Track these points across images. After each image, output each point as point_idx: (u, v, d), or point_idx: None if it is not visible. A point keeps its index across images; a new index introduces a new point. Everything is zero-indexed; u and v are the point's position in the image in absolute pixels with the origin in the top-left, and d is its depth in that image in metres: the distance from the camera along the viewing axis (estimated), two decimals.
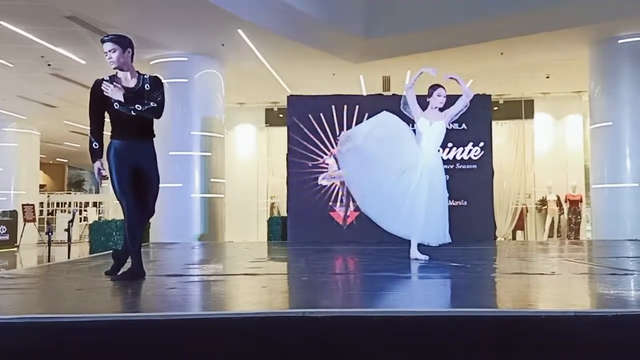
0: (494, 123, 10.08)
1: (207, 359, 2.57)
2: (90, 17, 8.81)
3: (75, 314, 2.81)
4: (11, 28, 9.17)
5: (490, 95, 9.91)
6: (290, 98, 10.13)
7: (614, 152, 10.10)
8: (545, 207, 14.59)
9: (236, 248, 8.55)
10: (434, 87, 5.82)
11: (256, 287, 4.13)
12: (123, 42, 4.22)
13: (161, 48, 10.42)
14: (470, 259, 5.88)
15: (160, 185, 4.38)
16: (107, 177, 4.27)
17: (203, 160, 10.90)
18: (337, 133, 9.45)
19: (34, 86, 12.99)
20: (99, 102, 4.19)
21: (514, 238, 14.74)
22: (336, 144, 8.96)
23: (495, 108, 12.63)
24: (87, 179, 30.47)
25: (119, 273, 4.40)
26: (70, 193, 26.12)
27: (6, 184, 17.21)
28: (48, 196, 21.84)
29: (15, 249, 14.92)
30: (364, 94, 12.92)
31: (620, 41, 10.00)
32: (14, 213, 15.75)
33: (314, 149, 9.63)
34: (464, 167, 9.44)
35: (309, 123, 9.65)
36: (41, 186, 21.80)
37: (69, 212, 18.84)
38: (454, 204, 8.45)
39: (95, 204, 22.48)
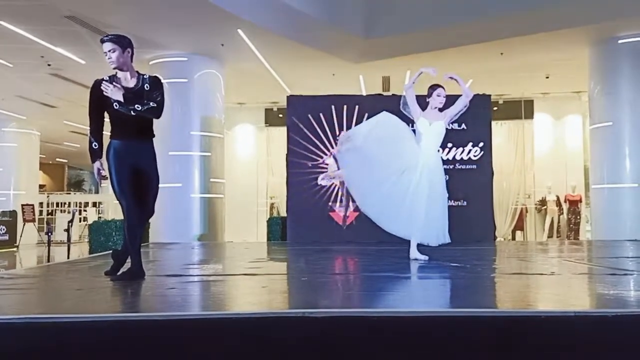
0: (493, 123, 10.08)
1: (207, 359, 2.57)
2: (90, 17, 8.81)
3: (75, 314, 2.81)
4: (11, 28, 9.17)
5: (490, 96, 9.92)
6: (290, 98, 10.13)
7: (613, 152, 10.10)
8: (545, 207, 14.60)
9: (236, 248, 8.55)
10: (433, 87, 5.82)
11: (256, 287, 4.13)
12: (123, 42, 4.22)
13: (161, 48, 10.42)
14: (469, 259, 5.88)
15: (160, 185, 4.38)
16: (107, 177, 4.27)
17: (203, 160, 10.90)
18: (337, 133, 9.45)
19: (34, 86, 12.99)
20: (98, 102, 4.19)
21: (513, 238, 14.74)
22: (336, 144, 8.96)
23: (495, 108, 12.63)
24: (86, 179, 30.47)
25: (118, 273, 4.40)
26: (69, 193, 26.12)
27: (6, 184, 17.20)
28: (48, 196, 21.83)
29: (14, 249, 14.91)
30: (364, 94, 12.91)
31: (620, 41, 10.00)
32: (13, 213, 15.75)
33: (313, 149, 9.63)
34: (463, 167, 9.44)
35: (309, 123, 9.65)
36: (41, 186, 21.79)
37: (69, 212, 18.81)
38: (453, 204, 8.46)
39: (94, 204, 22.48)
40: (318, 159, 9.64)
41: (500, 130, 14.35)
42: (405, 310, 2.86)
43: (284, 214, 11.49)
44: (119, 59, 4.19)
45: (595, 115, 10.52)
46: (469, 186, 9.24)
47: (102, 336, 2.59)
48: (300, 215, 9.60)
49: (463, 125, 9.22)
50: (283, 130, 10.72)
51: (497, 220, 12.02)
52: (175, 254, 7.51)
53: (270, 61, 11.18)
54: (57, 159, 26.38)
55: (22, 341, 2.57)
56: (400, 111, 5.90)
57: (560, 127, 14.86)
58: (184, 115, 10.74)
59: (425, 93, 5.85)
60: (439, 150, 6.21)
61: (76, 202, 22.18)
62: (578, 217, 14.25)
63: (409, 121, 6.02)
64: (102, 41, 4.23)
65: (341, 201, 9.54)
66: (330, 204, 9.60)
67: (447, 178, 6.60)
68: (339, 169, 8.05)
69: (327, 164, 9.62)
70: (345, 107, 9.61)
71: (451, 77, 5.85)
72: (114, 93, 4.12)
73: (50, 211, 21.18)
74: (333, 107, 9.65)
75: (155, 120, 4.34)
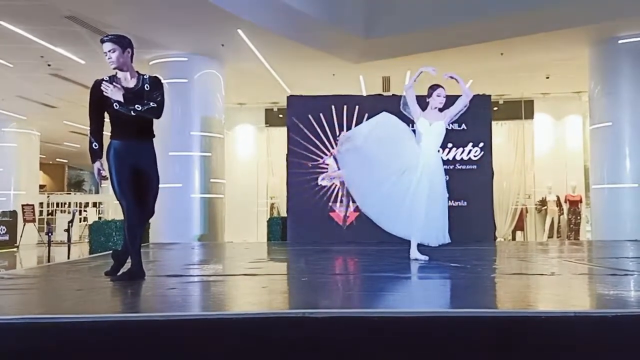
0: (493, 123, 10.08)
1: (206, 359, 2.57)
2: (90, 17, 8.81)
3: (75, 314, 2.81)
4: (11, 28, 9.17)
5: (490, 96, 9.92)
6: (290, 98, 10.13)
7: (613, 152, 10.10)
8: (545, 207, 14.60)
9: (236, 248, 8.55)
10: (433, 88, 5.82)
11: (256, 287, 4.13)
12: (122, 42, 4.22)
13: (161, 48, 10.42)
14: (470, 260, 5.88)
15: (160, 185, 4.38)
16: (107, 178, 4.27)
17: (203, 160, 10.90)
18: (337, 133, 9.45)
19: (34, 86, 12.99)
20: (98, 103, 4.19)
21: (513, 238, 14.74)
22: (336, 144, 8.96)
23: (495, 108, 12.63)
24: (86, 180, 30.47)
25: (118, 273, 4.39)
26: (70, 193, 26.12)
27: (6, 184, 17.20)
28: (48, 196, 21.84)
29: (15, 249, 14.91)
30: (364, 94, 12.92)
31: (620, 41, 10.00)
32: (13, 213, 15.75)
33: (313, 149, 9.64)
34: (463, 167, 9.44)
35: (309, 123, 9.65)
36: (41, 186, 21.78)
37: (69, 212, 18.86)
38: (453, 204, 8.46)
39: (95, 205, 22.48)
40: (318, 159, 9.65)
41: (501, 131, 14.35)
42: (405, 311, 2.86)
43: (284, 214, 11.49)
44: (119, 59, 4.19)
45: (596, 116, 10.52)
46: (469, 186, 9.24)
47: (102, 336, 2.59)
48: (300, 215, 9.60)
49: (463, 126, 9.23)
50: (283, 130, 10.72)
51: (497, 220, 12.02)
52: (175, 254, 7.51)
53: (270, 61, 11.18)
54: (57, 159, 26.38)
55: (22, 341, 2.57)
56: (400, 111, 5.90)
57: (560, 127, 14.86)
58: (184, 115, 10.74)
59: (425, 93, 5.85)
60: (439, 151, 6.21)
61: (76, 203, 22.20)
62: (578, 217, 14.25)
63: (409, 121, 6.02)
64: (102, 41, 4.23)
65: (341, 201, 9.55)
66: (330, 204, 9.60)
67: (447, 178, 6.61)
68: (339, 169, 8.06)
69: (327, 164, 9.62)
70: (345, 107, 9.61)
71: (451, 77, 5.85)
72: (114, 93, 4.12)
73: (50, 211, 21.19)
74: (333, 107, 9.65)
75: (155, 121, 4.34)
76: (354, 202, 8.47)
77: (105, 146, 4.22)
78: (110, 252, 5.10)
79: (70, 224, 11.10)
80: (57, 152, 23.50)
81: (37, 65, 11.27)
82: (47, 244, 10.31)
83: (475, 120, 9.13)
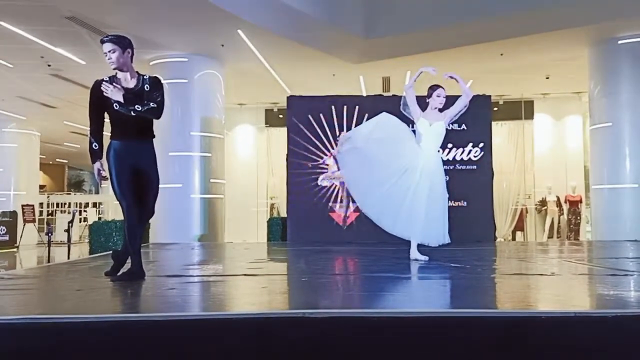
0: (493, 124, 10.09)
1: (206, 359, 2.57)
2: (90, 17, 8.81)
3: (75, 314, 2.81)
4: (11, 28, 9.17)
5: (490, 96, 9.93)
6: (290, 99, 10.13)
7: (613, 152, 10.10)
8: (545, 207, 14.59)
9: (236, 249, 8.54)
10: (433, 88, 5.82)
11: (256, 287, 4.13)
12: (123, 43, 4.22)
13: (161, 48, 10.42)
14: (470, 260, 5.87)
15: (160, 185, 4.38)
16: (107, 178, 4.27)
17: (203, 160, 10.90)
18: (337, 134, 9.45)
19: (34, 86, 12.99)
20: (98, 103, 4.19)
21: (513, 239, 14.74)
22: (336, 144, 8.97)
23: (495, 109, 12.63)
24: (87, 180, 30.48)
25: (118, 274, 4.40)
26: (70, 194, 26.12)
27: (6, 184, 17.20)
28: (48, 197, 21.84)
29: (15, 249, 14.91)
30: (364, 94, 12.92)
31: (620, 42, 10.00)
32: (13, 214, 15.75)
33: (313, 149, 9.64)
34: (463, 167, 9.45)
35: (309, 124, 9.65)
36: (41, 187, 21.79)
37: (69, 212, 18.86)
38: (453, 204, 8.47)
39: (95, 205, 22.49)
40: (318, 159, 9.65)
41: (501, 131, 14.36)
42: (405, 311, 2.86)
43: (284, 214, 11.49)
44: (119, 59, 4.19)
45: (596, 116, 10.52)
46: (469, 186, 9.24)
47: (102, 336, 2.59)
48: (300, 215, 9.60)
49: (463, 126, 9.23)
50: (283, 130, 10.72)
51: (497, 220, 12.02)
52: (175, 255, 7.51)
53: (270, 61, 11.18)
54: (58, 160, 26.38)
55: (22, 341, 2.57)
56: (401, 112, 5.90)
57: (560, 127, 14.87)
58: (184, 115, 10.75)
59: (425, 93, 5.85)
60: (439, 151, 6.21)
61: (76, 203, 22.20)
62: (578, 217, 14.24)
63: (409, 122, 6.02)
64: (102, 42, 4.23)
65: (341, 202, 9.55)
66: (330, 204, 9.60)
67: (447, 178, 6.60)
68: (339, 169, 8.06)
69: (327, 165, 9.62)
70: (345, 107, 9.62)
71: (451, 77, 5.85)
72: (114, 94, 4.12)
73: (50, 212, 21.20)
74: (333, 107, 9.65)
75: (155, 121, 4.34)
76: (354, 202, 8.48)
77: (105, 146, 4.23)
78: (110, 252, 5.10)
79: (70, 224, 11.10)
80: (57, 153, 23.51)
81: (37, 66, 11.27)
82: (47, 244, 10.31)
83: (475, 121, 9.14)
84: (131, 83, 4.26)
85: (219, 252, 7.97)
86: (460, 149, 9.43)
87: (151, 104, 4.17)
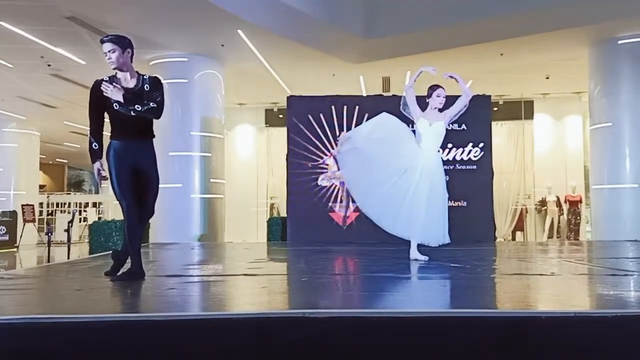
0: (493, 124, 10.09)
1: (206, 359, 2.57)
2: (90, 17, 8.81)
3: (75, 314, 2.81)
4: (11, 28, 9.17)
5: (490, 96, 9.93)
6: (290, 98, 10.13)
7: (613, 152, 10.09)
8: (545, 207, 14.59)
9: (236, 249, 8.54)
10: (433, 88, 5.82)
11: (256, 287, 4.13)
12: (122, 43, 4.22)
13: (161, 48, 10.42)
14: (469, 260, 5.87)
15: (160, 185, 4.38)
16: (107, 178, 4.27)
17: (203, 160, 10.90)
18: (337, 134, 9.46)
19: (34, 86, 12.99)
20: (98, 103, 4.19)
21: (513, 239, 14.74)
22: (336, 144, 8.97)
23: (495, 109, 12.63)
24: (86, 180, 30.47)
25: (118, 273, 4.40)
26: (70, 193, 26.12)
27: (6, 184, 17.20)
28: (48, 196, 21.83)
29: (14, 249, 14.91)
30: (364, 94, 12.92)
31: (620, 42, 10.00)
32: (13, 213, 15.75)
33: (313, 149, 9.64)
34: (463, 167, 9.45)
35: (309, 124, 9.65)
36: (41, 186, 21.79)
37: (69, 212, 18.86)
38: (453, 204, 8.47)
39: (94, 205, 22.49)
40: (318, 159, 9.65)
41: (500, 131, 14.35)
42: (405, 311, 2.86)
43: (284, 214, 11.49)
44: (118, 59, 4.19)
45: (595, 116, 10.52)
46: (469, 186, 9.25)
47: (102, 336, 2.59)
48: (300, 215, 9.60)
49: (463, 126, 9.23)
50: (283, 130, 10.72)
51: (497, 220, 12.02)
52: (175, 255, 7.51)
53: (270, 61, 11.18)
54: (57, 159, 26.38)
55: (22, 341, 2.57)
56: (400, 112, 5.90)
57: (560, 127, 14.87)
58: (184, 115, 10.75)
59: (425, 93, 5.85)
60: (439, 151, 6.21)
61: (76, 203, 22.19)
62: (578, 217, 14.24)
63: (409, 122, 6.02)
64: (102, 42, 4.23)
65: (341, 202, 9.55)
66: (330, 204, 9.60)
67: (447, 178, 6.60)
68: (339, 169, 8.06)
69: (327, 165, 9.62)
70: (345, 107, 9.62)
71: (451, 76, 5.84)
72: (113, 93, 4.12)
73: (50, 211, 21.19)
74: (333, 107, 9.65)
75: (155, 121, 4.34)
76: (353, 202, 8.48)
77: (105, 146, 4.23)
78: (110, 252, 5.10)
79: (70, 224, 11.09)
80: (57, 152, 23.51)
81: (37, 66, 11.27)
82: (47, 244, 10.30)
83: (475, 121, 9.14)
84: (131, 83, 4.26)
85: (218, 252, 7.97)
86: (460, 149, 9.43)
87: (151, 103, 4.17)
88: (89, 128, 4.24)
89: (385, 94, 12.17)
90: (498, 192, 12.02)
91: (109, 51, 4.17)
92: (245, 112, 15.44)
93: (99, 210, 22.09)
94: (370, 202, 5.89)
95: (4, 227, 14.94)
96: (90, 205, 22.31)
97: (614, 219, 10.02)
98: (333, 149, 9.39)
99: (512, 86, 13.60)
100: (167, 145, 9.87)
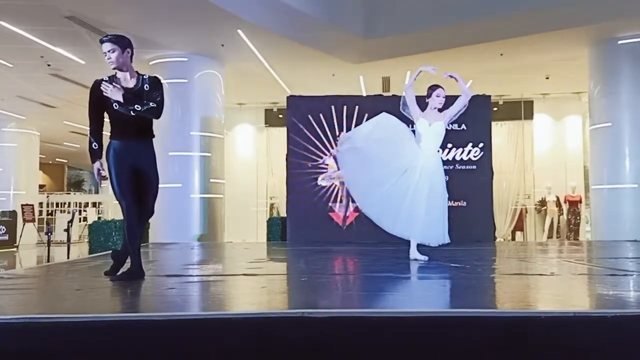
0: (493, 124, 10.08)
1: (206, 359, 2.57)
2: (90, 17, 8.81)
3: (75, 314, 2.81)
4: (11, 28, 9.17)
5: (489, 96, 9.93)
6: (290, 98, 10.13)
7: (613, 153, 10.10)
8: (545, 207, 14.60)
9: (235, 248, 8.54)
10: (432, 88, 5.82)
11: (255, 287, 4.13)
12: (122, 43, 4.22)
13: (161, 48, 10.42)
14: (469, 260, 5.88)
15: (160, 185, 4.38)
16: (107, 178, 4.27)
17: (202, 160, 10.89)
18: (337, 134, 9.46)
19: (34, 86, 12.99)
20: (98, 103, 4.19)
21: (513, 239, 14.74)
22: (336, 144, 8.97)
23: (495, 109, 12.63)
24: (86, 179, 30.47)
25: (118, 273, 4.40)
26: (69, 193, 26.12)
27: (6, 184, 17.20)
28: (47, 196, 21.83)
29: (14, 249, 14.91)
30: (364, 94, 12.92)
31: (620, 42, 10.00)
32: (13, 213, 15.75)
33: (313, 149, 9.64)
34: (463, 167, 9.45)
35: (309, 123, 9.65)
36: (41, 186, 21.79)
37: (69, 212, 18.81)
38: (453, 204, 8.47)
39: (94, 204, 22.49)
40: (318, 159, 9.65)
41: (500, 131, 14.35)
42: (405, 311, 2.86)
43: (283, 214, 11.49)
44: (118, 59, 4.19)
45: (595, 116, 10.52)
46: (469, 186, 9.24)
47: (102, 336, 2.59)
48: (300, 215, 9.60)
49: (463, 126, 9.23)
50: (283, 130, 10.71)
51: (497, 220, 12.03)
52: (174, 254, 7.51)
53: (270, 61, 11.18)
54: (57, 159, 26.38)
55: (22, 341, 2.57)
56: (400, 112, 5.90)
57: (560, 127, 14.87)
58: (184, 115, 10.74)
59: (425, 93, 5.85)
60: (439, 151, 6.20)
61: (76, 202, 22.18)
62: (578, 217, 14.25)
63: (409, 122, 6.02)
64: (102, 41, 4.23)
65: (341, 201, 9.55)
66: (330, 204, 9.60)
67: (447, 178, 6.60)
68: (339, 169, 8.05)
69: (327, 165, 9.62)
70: (345, 107, 9.61)
71: (450, 76, 5.84)
72: (113, 93, 4.12)
73: (50, 211, 21.18)
74: (333, 107, 9.65)
75: (155, 121, 4.34)
76: (353, 202, 8.48)
77: (105, 146, 4.22)
78: (110, 252, 5.10)
79: (70, 224, 11.07)
80: (57, 152, 23.51)
81: (37, 65, 11.27)
82: (46, 244, 10.30)
83: (475, 121, 9.14)
84: (131, 83, 4.26)
85: (218, 251, 7.97)
86: (460, 149, 9.43)
87: (151, 103, 4.17)
88: (88, 128, 4.24)
89: (385, 94, 12.17)
90: (498, 192, 12.02)
91: (109, 51, 4.17)
92: (245, 112, 15.44)
93: (98, 210, 22.09)
94: (370, 202, 5.89)
95: (3, 227, 14.94)
96: (90, 205, 22.31)
97: (613, 219, 10.02)
98: (333, 149, 9.39)
99: (512, 86, 13.60)
100: (166, 145, 9.87)
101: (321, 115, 9.65)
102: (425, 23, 9.51)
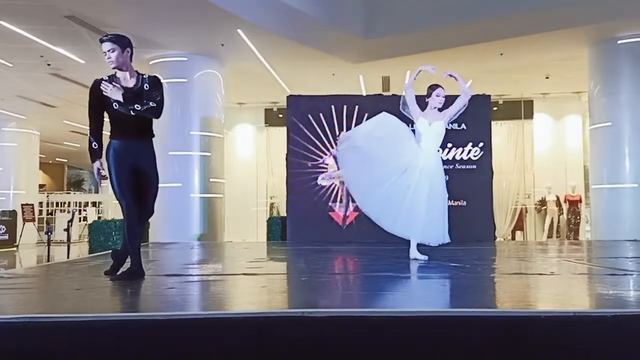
0: (493, 123, 10.08)
1: (206, 359, 2.57)
2: (90, 16, 8.81)
3: (75, 313, 2.81)
4: (11, 28, 9.16)
5: (489, 96, 9.92)
6: (290, 98, 10.12)
7: (613, 152, 10.10)
8: (545, 207, 14.60)
9: (235, 248, 8.54)
10: (432, 88, 5.82)
11: (255, 287, 4.13)
12: (122, 42, 4.22)
13: (161, 48, 10.42)
14: (469, 259, 5.88)
15: (160, 185, 4.38)
16: (107, 177, 4.27)
17: (202, 160, 10.89)
18: (337, 133, 9.45)
19: (34, 86, 12.99)
20: (98, 102, 4.19)
21: (513, 238, 14.74)
22: (336, 144, 8.96)
23: (495, 108, 12.63)
24: (86, 179, 30.48)
25: (118, 273, 4.40)
26: (69, 193, 26.12)
27: (6, 183, 17.20)
28: (47, 196, 21.83)
29: (14, 248, 14.91)
30: (364, 94, 12.92)
31: (619, 41, 10.00)
32: (13, 213, 15.74)
33: (313, 149, 9.63)
34: (463, 167, 9.44)
35: (309, 123, 9.65)
36: (40, 186, 21.79)
37: (68, 211, 18.81)
38: (453, 204, 8.46)
39: (94, 204, 22.47)
40: (318, 159, 9.64)
41: (500, 131, 14.36)
42: (405, 310, 2.86)
43: (283, 213, 11.49)
44: (118, 58, 4.19)
45: (595, 116, 10.52)
46: (469, 186, 9.24)
47: (102, 336, 2.59)
48: (300, 215, 9.60)
49: (463, 126, 9.23)
50: (283, 130, 10.71)
51: (497, 220, 12.02)
52: (174, 254, 7.51)
53: (270, 61, 11.18)
54: (57, 159, 26.38)
55: (22, 341, 2.57)
56: (400, 111, 5.90)
57: (560, 127, 14.87)
58: (184, 115, 10.74)
59: (425, 93, 5.85)
60: (438, 151, 6.20)
61: (76, 202, 22.17)
62: (578, 217, 14.25)
63: (409, 121, 6.02)
64: (102, 41, 4.23)
65: (341, 201, 9.55)
66: (330, 203, 9.60)
67: (447, 178, 6.60)
68: (339, 169, 8.05)
69: (327, 164, 9.62)
70: (345, 107, 9.61)
71: (450, 75, 5.84)
72: (113, 93, 4.12)
73: (50, 211, 21.17)
74: (333, 107, 9.64)
75: (155, 120, 4.34)
76: (353, 201, 8.48)
77: (105, 146, 4.23)
78: (110, 251, 5.10)
79: (70, 224, 11.08)
80: (57, 152, 23.50)
81: (37, 65, 11.27)
82: (46, 244, 10.30)
83: (475, 120, 9.13)
84: (130, 82, 4.26)
85: (218, 251, 7.97)
86: (460, 149, 9.43)
87: (150, 103, 4.17)
88: (88, 127, 4.24)
89: (385, 94, 12.16)
90: (498, 191, 12.02)
91: (109, 50, 4.17)
92: (245, 112, 15.44)
93: (98, 210, 22.08)
94: (370, 201, 5.89)
95: (3, 227, 14.94)
96: (89, 204, 22.30)
97: (613, 219, 10.03)
98: (333, 148, 9.39)
99: (512, 86, 13.61)
100: (166, 145, 9.87)
101: (321, 115, 9.65)
102: (425, 23, 9.50)
